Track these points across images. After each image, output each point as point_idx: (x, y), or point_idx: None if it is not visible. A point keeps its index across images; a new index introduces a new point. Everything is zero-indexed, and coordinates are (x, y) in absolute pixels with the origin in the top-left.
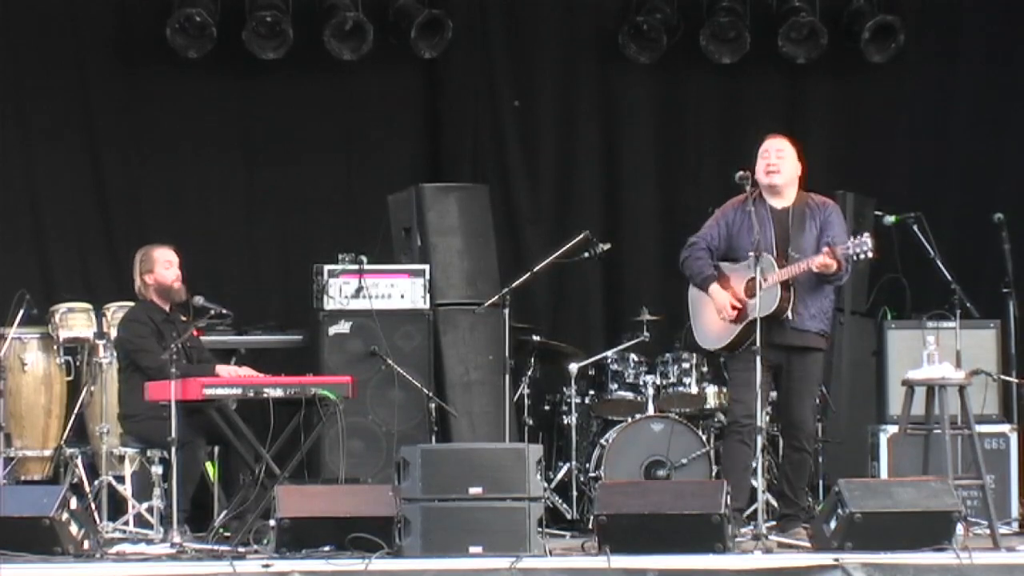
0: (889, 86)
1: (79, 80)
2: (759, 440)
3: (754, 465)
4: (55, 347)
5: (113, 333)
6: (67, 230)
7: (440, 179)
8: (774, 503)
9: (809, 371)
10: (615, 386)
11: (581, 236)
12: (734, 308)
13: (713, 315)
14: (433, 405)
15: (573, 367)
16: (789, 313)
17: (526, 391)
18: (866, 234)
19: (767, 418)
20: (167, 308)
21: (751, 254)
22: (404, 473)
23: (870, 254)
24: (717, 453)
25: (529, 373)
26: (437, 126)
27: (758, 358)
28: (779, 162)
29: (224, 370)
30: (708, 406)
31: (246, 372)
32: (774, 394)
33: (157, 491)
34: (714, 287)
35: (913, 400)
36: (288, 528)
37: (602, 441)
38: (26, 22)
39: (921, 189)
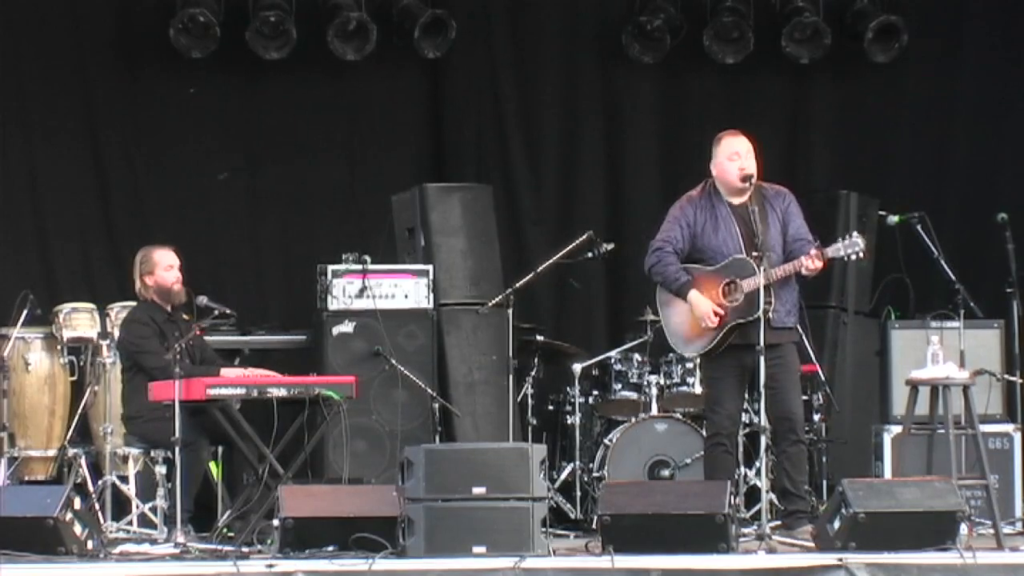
0: (892, 86)
1: (82, 80)
2: (763, 440)
3: (744, 471)
4: (59, 347)
5: (116, 333)
6: (70, 230)
7: (443, 179)
8: (775, 503)
9: (790, 362)
10: (619, 386)
11: (585, 236)
12: (716, 315)
13: (688, 320)
14: (437, 405)
15: (577, 367)
16: (770, 313)
17: (530, 391)
18: (855, 233)
19: (748, 419)
20: (168, 308)
21: (735, 256)
22: (408, 473)
23: (861, 255)
24: None
25: (533, 373)
26: (440, 126)
27: (762, 358)
28: (751, 163)
29: (229, 372)
30: None
31: (260, 372)
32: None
33: (161, 491)
34: (693, 294)
35: (917, 400)
36: (292, 528)
37: (606, 441)
38: (28, 22)
39: (925, 189)
